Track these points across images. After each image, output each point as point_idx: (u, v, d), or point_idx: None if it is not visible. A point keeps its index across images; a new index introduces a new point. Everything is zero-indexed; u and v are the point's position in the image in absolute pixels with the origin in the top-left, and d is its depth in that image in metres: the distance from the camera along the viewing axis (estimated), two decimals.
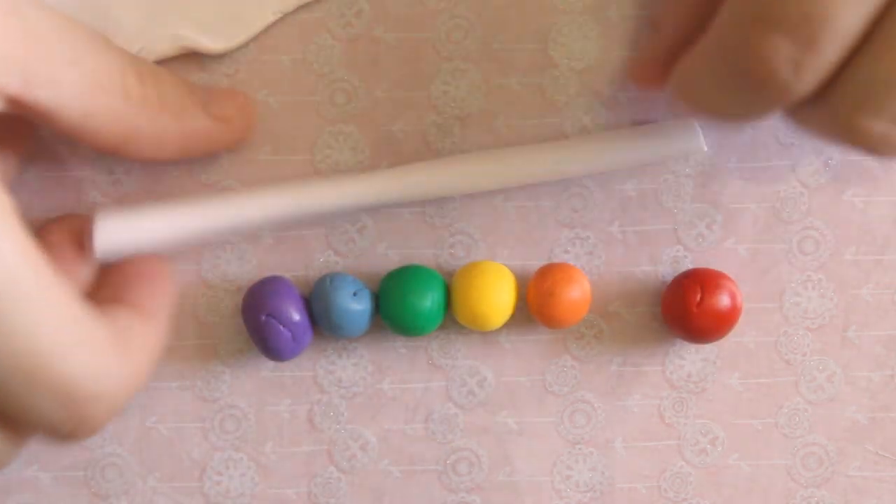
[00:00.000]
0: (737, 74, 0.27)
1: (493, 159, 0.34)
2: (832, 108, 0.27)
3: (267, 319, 0.33)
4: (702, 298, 0.34)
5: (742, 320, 0.35)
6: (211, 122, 0.32)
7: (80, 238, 0.32)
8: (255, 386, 0.35)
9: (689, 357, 0.36)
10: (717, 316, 0.34)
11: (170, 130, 0.31)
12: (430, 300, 0.33)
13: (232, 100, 0.33)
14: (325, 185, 0.34)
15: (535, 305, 0.34)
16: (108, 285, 0.32)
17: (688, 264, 0.35)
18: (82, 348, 0.27)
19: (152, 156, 0.31)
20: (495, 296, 0.33)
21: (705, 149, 0.34)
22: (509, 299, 0.34)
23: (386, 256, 0.35)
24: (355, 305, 0.33)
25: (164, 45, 0.34)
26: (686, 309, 0.34)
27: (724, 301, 0.34)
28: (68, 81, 0.28)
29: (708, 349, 0.36)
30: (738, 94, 0.27)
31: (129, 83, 0.30)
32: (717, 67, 0.27)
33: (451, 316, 0.34)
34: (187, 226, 0.33)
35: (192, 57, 0.34)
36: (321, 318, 0.33)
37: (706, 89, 0.28)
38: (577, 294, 0.34)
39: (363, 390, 0.35)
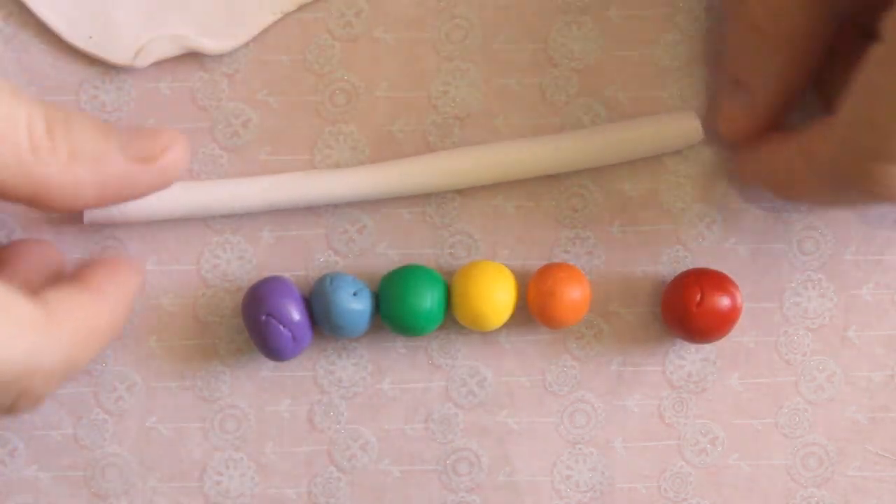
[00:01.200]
0: (849, 189, 0.29)
1: (491, 154, 0.34)
2: None
3: (267, 319, 0.33)
4: (702, 298, 0.34)
5: (742, 320, 0.35)
6: (131, 166, 0.30)
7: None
8: (255, 386, 0.35)
9: (689, 357, 0.36)
10: (717, 316, 0.34)
11: (85, 180, 0.30)
12: (430, 300, 0.33)
13: (154, 139, 0.31)
14: (314, 174, 0.34)
15: (535, 305, 0.34)
16: (74, 272, 0.32)
17: (688, 264, 0.35)
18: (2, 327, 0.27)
19: (68, 206, 0.30)
20: (495, 296, 0.33)
21: (702, 137, 0.34)
22: (509, 299, 0.34)
23: (386, 256, 0.35)
24: (355, 305, 0.33)
25: (164, 45, 0.34)
26: (686, 309, 0.34)
27: (724, 301, 0.34)
28: None
29: (708, 349, 0.36)
30: (844, 198, 0.31)
31: (35, 134, 0.29)
32: (827, 180, 0.30)
33: (451, 316, 0.34)
34: (175, 200, 0.33)
35: (192, 57, 0.34)
36: (321, 318, 0.33)
37: (804, 186, 0.31)
38: (577, 294, 0.34)
39: (363, 390, 0.35)
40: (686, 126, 0.34)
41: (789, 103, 0.33)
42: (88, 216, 0.33)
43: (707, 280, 0.34)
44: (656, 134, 0.34)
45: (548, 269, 0.34)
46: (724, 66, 0.34)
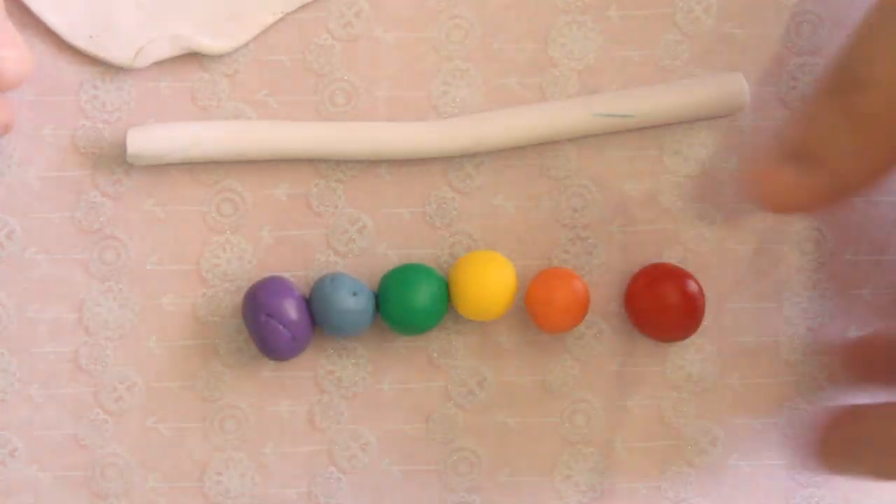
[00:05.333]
0: None
1: (527, 113, 0.34)
2: None
3: (267, 319, 0.33)
4: (645, 287, 0.34)
5: (742, 320, 0.35)
6: None
7: None
8: (255, 386, 0.35)
9: (689, 357, 0.36)
10: (664, 304, 0.34)
11: None
12: (430, 299, 0.33)
13: None
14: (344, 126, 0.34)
15: (534, 313, 0.34)
16: None
17: (688, 264, 0.35)
18: None
19: None
20: (494, 283, 0.33)
21: (748, 103, 0.34)
22: (508, 287, 0.33)
23: (386, 256, 0.35)
24: (355, 305, 0.33)
25: (164, 45, 0.34)
26: (639, 303, 0.34)
27: (667, 289, 0.34)
28: None
29: (708, 349, 0.36)
30: None
31: None
32: None
33: (452, 315, 0.34)
34: (210, 139, 0.33)
35: (192, 57, 0.34)
36: (321, 318, 0.33)
37: None
38: (573, 301, 0.33)
39: (363, 390, 0.35)
40: (733, 89, 0.34)
41: (859, 189, 0.29)
42: (131, 155, 0.33)
43: (653, 272, 0.34)
44: (701, 96, 0.34)
45: (545, 277, 0.34)
46: (789, 134, 0.30)
